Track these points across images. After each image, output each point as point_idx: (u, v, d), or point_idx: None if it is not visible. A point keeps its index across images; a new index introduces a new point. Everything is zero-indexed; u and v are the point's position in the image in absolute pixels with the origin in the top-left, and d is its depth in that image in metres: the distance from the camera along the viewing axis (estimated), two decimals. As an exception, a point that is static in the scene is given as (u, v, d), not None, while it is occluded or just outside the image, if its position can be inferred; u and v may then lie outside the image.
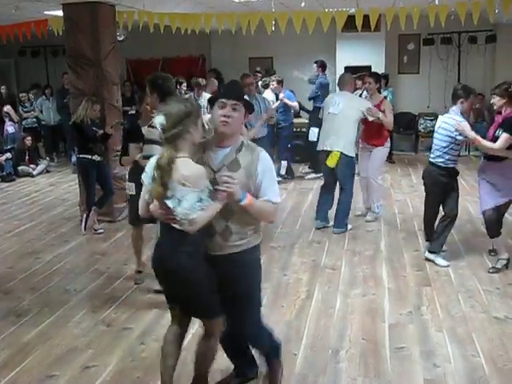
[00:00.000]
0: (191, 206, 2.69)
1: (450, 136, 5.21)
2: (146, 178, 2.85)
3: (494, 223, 5.26)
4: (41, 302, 4.88)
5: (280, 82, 9.44)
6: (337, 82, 7.19)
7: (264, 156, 2.88)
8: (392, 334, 4.13)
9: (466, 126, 5.11)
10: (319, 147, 6.62)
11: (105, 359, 3.89)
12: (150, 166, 2.83)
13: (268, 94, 9.39)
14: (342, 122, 6.38)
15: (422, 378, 3.56)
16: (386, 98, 10.75)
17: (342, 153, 6.36)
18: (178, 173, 2.70)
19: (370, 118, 6.48)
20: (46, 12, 8.79)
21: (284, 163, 9.62)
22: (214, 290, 2.96)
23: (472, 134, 5.09)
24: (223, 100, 2.81)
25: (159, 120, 2.75)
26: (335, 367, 3.71)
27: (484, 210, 5.28)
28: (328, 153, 6.42)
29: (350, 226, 6.66)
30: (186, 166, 2.73)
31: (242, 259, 2.95)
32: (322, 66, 10.15)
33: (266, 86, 9.76)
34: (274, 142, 9.26)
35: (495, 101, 5.12)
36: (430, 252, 5.52)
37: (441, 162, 5.32)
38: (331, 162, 6.38)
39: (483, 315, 4.40)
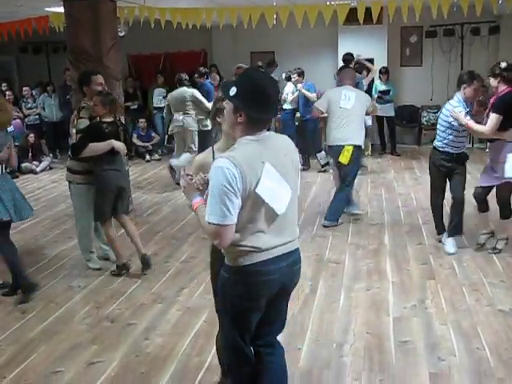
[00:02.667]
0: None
1: (446, 121, 5.30)
2: None
3: (481, 200, 5.52)
4: (45, 299, 4.89)
5: (301, 74, 9.42)
6: (336, 74, 7.13)
7: (214, 166, 2.44)
8: (396, 327, 4.13)
9: (459, 113, 5.13)
10: (330, 142, 6.58)
11: (109, 355, 3.90)
12: None
13: (289, 87, 9.41)
14: (354, 116, 6.36)
15: (426, 371, 3.56)
16: (389, 91, 10.80)
17: (354, 145, 6.34)
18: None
19: (371, 113, 6.65)
20: (46, 8, 8.79)
21: (320, 155, 9.59)
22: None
23: (464, 119, 5.12)
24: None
25: None
26: (339, 361, 3.70)
27: (476, 186, 5.55)
28: (341, 148, 6.34)
29: (340, 220, 6.64)
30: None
31: (222, 270, 2.71)
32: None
33: (288, 79, 9.75)
34: (302, 136, 9.31)
35: (491, 82, 5.20)
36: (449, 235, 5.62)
37: (439, 147, 5.43)
38: (344, 158, 6.32)
39: (488, 308, 4.39)
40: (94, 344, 4.07)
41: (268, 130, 2.62)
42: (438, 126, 5.44)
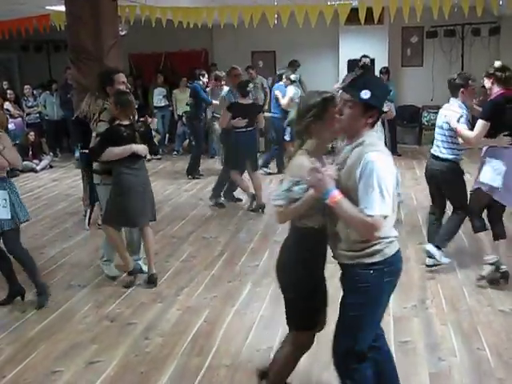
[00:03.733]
0: (278, 193, 2.76)
1: (440, 127, 5.04)
2: None
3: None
4: (45, 298, 4.89)
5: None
6: (342, 80, 7.03)
7: (367, 159, 2.52)
8: (396, 327, 4.12)
9: (452, 117, 4.88)
10: None
11: (109, 354, 3.89)
12: None
13: (291, 90, 9.29)
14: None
15: (427, 371, 3.55)
16: (390, 91, 10.76)
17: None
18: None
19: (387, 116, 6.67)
20: (48, 7, 8.80)
21: None
22: (313, 299, 2.89)
23: (455, 124, 4.84)
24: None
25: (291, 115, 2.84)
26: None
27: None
28: None
29: None
30: (295, 159, 2.79)
31: (349, 273, 2.73)
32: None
33: (280, 78, 9.69)
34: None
35: (485, 83, 4.92)
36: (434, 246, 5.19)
37: (439, 152, 5.07)
38: None
39: (488, 308, 4.38)
40: (93, 343, 4.06)
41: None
42: (435, 133, 5.13)
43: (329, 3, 8.63)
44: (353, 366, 2.80)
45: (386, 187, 2.50)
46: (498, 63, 4.77)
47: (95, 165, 5.10)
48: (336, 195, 2.54)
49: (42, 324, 4.38)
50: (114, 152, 4.78)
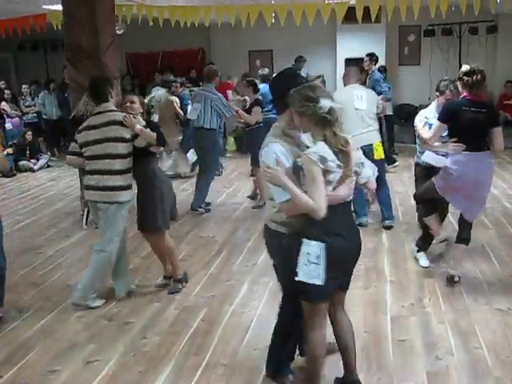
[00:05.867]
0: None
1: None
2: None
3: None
4: (42, 297, 4.89)
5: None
6: (342, 75, 6.95)
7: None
8: (394, 326, 4.12)
9: (418, 116, 5.08)
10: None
11: (106, 354, 3.89)
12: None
13: None
14: (368, 116, 6.21)
15: (424, 370, 3.56)
16: (389, 88, 10.77)
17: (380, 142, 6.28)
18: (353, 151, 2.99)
19: (379, 110, 6.51)
20: (44, 6, 8.77)
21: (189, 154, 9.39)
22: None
23: (417, 123, 5.02)
24: None
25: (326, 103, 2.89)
26: (337, 360, 3.69)
27: None
28: (368, 147, 6.01)
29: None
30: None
31: None
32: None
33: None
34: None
35: (458, 85, 4.85)
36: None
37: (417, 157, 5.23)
38: (380, 152, 6.20)
39: (486, 307, 4.39)
40: (91, 343, 4.06)
41: None
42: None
43: (326, 2, 8.64)
44: None
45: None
46: (465, 67, 4.62)
47: (122, 180, 4.53)
48: None
49: (40, 324, 4.38)
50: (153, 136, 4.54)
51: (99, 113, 4.62)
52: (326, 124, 2.89)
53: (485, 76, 4.54)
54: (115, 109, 4.71)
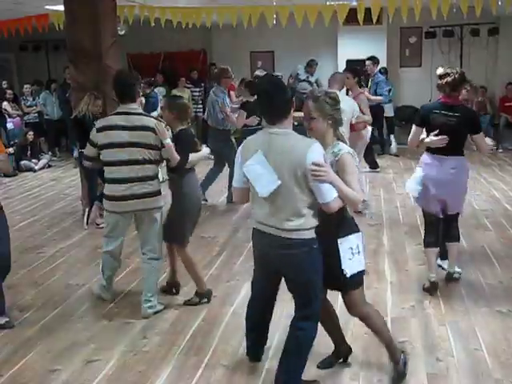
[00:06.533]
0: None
1: None
2: None
3: None
4: (43, 297, 4.89)
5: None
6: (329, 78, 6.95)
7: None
8: (394, 328, 4.12)
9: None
10: None
11: (107, 353, 3.89)
12: None
13: None
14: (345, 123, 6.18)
15: (424, 372, 3.56)
16: (390, 90, 10.79)
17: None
18: None
19: (354, 121, 6.48)
20: (47, 6, 8.79)
21: None
22: None
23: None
24: None
25: None
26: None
27: None
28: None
29: None
30: None
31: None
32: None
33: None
34: None
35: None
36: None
37: None
38: None
39: (486, 309, 4.39)
40: (91, 342, 4.06)
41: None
42: None
43: (327, 3, 8.64)
44: None
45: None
46: (439, 70, 4.55)
47: (158, 185, 4.40)
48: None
49: (40, 323, 4.38)
50: (197, 157, 4.44)
51: (126, 113, 4.21)
52: (338, 125, 3.20)
53: (460, 79, 4.43)
54: (144, 112, 4.49)
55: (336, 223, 3.12)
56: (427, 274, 4.76)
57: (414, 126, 4.68)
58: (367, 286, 4.81)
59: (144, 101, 9.16)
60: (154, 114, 8.34)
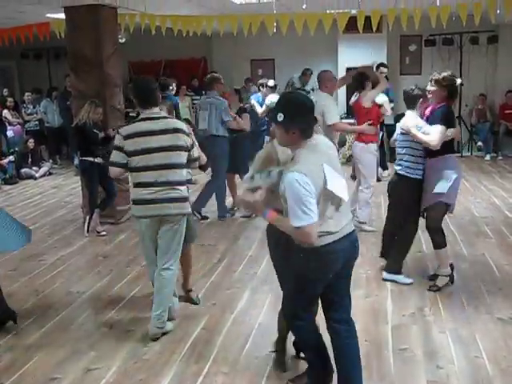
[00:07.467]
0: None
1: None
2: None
3: None
4: (44, 305, 4.89)
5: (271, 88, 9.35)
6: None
7: (288, 181, 2.84)
8: (395, 335, 4.12)
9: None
10: None
11: (108, 361, 3.89)
12: None
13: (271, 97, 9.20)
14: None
15: (425, 379, 3.55)
16: (392, 101, 10.80)
17: None
18: None
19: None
20: (48, 15, 8.83)
21: None
22: None
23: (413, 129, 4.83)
24: None
25: None
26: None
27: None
28: None
29: None
30: None
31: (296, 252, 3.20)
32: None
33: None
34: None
35: (429, 87, 5.00)
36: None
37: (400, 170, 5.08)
38: None
39: (486, 316, 4.38)
40: (92, 350, 4.06)
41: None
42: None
43: (328, 11, 8.67)
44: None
45: (301, 200, 2.80)
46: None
47: (187, 190, 4.32)
48: (270, 216, 3.05)
49: (41, 331, 4.38)
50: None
51: (151, 118, 4.13)
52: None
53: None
54: (167, 115, 4.45)
55: None
56: (439, 278, 4.91)
57: (441, 126, 4.69)
58: (368, 294, 4.87)
59: None
60: None
